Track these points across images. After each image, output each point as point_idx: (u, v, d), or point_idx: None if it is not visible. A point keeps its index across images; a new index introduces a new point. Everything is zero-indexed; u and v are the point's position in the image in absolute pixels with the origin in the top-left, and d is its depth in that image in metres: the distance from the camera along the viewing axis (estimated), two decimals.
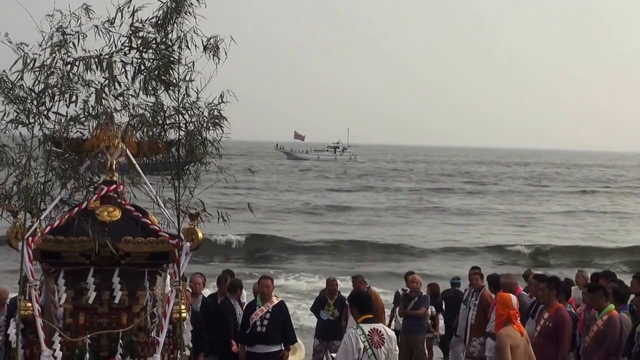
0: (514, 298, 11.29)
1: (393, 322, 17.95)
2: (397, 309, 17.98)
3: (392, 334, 10.02)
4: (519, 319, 11.16)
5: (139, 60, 9.51)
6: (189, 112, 9.63)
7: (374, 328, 9.79)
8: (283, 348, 14.29)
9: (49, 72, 9.20)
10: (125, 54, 9.47)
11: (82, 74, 9.35)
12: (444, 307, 18.64)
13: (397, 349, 10.00)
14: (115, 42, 9.40)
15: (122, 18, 9.31)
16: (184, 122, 9.66)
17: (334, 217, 60.67)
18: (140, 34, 9.46)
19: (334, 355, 16.17)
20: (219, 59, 9.44)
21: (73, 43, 9.29)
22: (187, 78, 9.53)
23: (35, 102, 9.25)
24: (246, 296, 16.49)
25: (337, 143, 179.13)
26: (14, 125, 9.23)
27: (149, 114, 9.58)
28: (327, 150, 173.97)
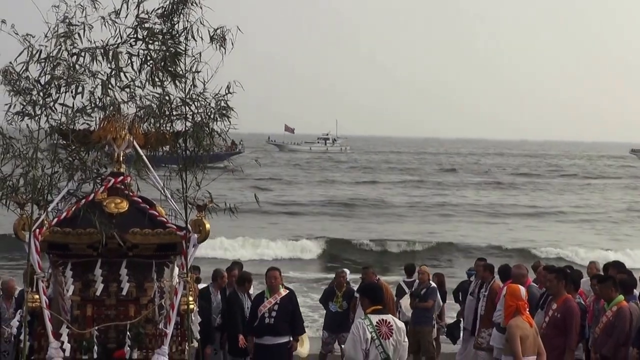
0: (522, 289, 11.34)
1: (398, 315, 17.86)
2: (400, 301, 17.89)
3: (402, 325, 10.01)
4: (527, 310, 11.19)
5: (145, 52, 9.51)
6: (196, 103, 9.64)
7: (382, 319, 9.78)
8: (291, 339, 14.29)
9: (54, 64, 9.23)
10: (131, 45, 9.47)
11: (88, 65, 9.37)
12: (460, 297, 18.58)
13: (406, 340, 9.99)
14: (121, 33, 9.42)
15: (127, 9, 9.33)
16: (191, 113, 9.67)
17: (360, 213, 59.56)
18: (146, 25, 9.46)
19: (343, 346, 16.18)
20: (225, 49, 9.43)
21: (79, 34, 9.32)
22: (194, 69, 9.54)
23: (41, 94, 9.29)
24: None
25: (327, 134, 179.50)
26: (20, 117, 9.26)
27: (155, 105, 9.58)
28: (318, 142, 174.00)
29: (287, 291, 14.46)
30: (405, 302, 17.57)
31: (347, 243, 43.44)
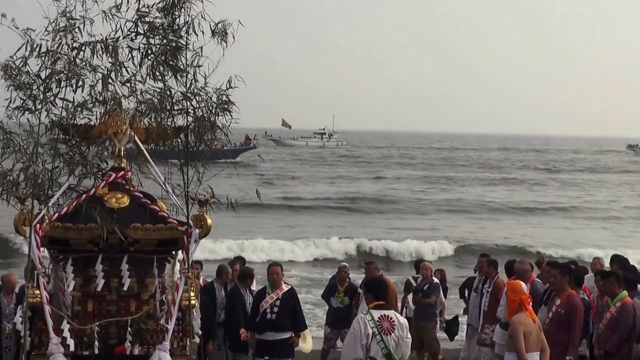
0: (523, 284, 11.36)
1: (405, 310, 17.84)
2: (408, 297, 17.84)
3: (404, 321, 10.00)
4: (530, 304, 11.20)
5: (145, 46, 9.53)
6: (197, 97, 9.67)
7: (384, 315, 9.77)
8: (293, 335, 14.32)
9: (55, 58, 9.26)
10: (131, 40, 9.49)
11: (88, 60, 9.42)
12: (466, 294, 18.55)
13: (409, 336, 9.97)
14: (122, 27, 9.46)
15: (128, 3, 9.36)
16: (192, 107, 9.70)
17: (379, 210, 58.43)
18: (147, 19, 9.47)
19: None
20: (226, 43, 9.44)
21: (79, 28, 9.36)
22: (195, 63, 9.55)
23: (41, 88, 9.33)
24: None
25: (323, 129, 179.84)
26: (20, 111, 9.30)
27: (156, 100, 9.61)
28: (315, 137, 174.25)
29: (289, 287, 14.49)
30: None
31: (361, 241, 42.26)
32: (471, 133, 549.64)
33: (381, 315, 9.74)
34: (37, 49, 9.14)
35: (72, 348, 9.36)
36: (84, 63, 9.38)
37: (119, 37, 9.39)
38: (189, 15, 9.46)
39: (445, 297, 18.30)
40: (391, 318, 9.78)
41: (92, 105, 9.61)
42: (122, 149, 10.06)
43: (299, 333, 14.49)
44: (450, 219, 54.99)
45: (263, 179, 75.83)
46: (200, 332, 10.50)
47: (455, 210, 59.47)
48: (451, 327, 18.41)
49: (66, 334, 9.39)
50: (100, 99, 9.55)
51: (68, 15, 9.28)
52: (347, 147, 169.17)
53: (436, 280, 17.40)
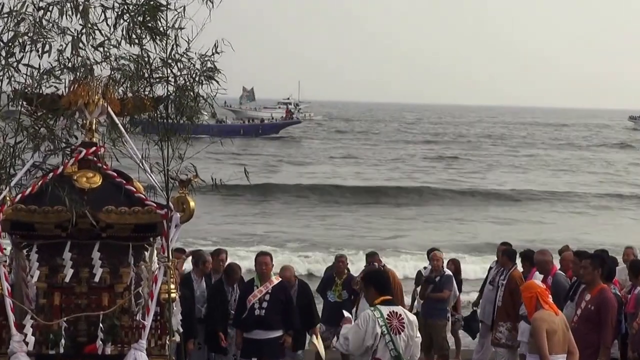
0: (536, 280, 11.45)
1: (415, 304, 17.81)
2: (418, 289, 17.79)
3: (414, 318, 10.08)
4: (550, 297, 11.18)
5: (121, 5, 9.51)
6: (178, 64, 9.68)
7: (393, 311, 9.81)
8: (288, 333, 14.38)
9: (19, 19, 9.20)
10: None
11: (56, 21, 9.36)
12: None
13: (418, 335, 10.05)
14: None
15: None
16: (173, 75, 9.71)
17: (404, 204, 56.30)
18: None
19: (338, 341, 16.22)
20: (212, 3, 9.42)
21: None
22: (177, 25, 9.52)
23: (3, 53, 9.28)
24: None
25: (288, 99, 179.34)
26: None
27: (132, 67, 9.63)
28: (279, 107, 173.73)
29: (280, 279, 14.52)
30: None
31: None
32: (479, 105, 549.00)
33: (390, 312, 9.77)
34: None
35: (31, 347, 9.35)
36: (51, 25, 9.32)
37: None
38: None
39: (460, 290, 18.31)
40: (400, 315, 9.82)
41: (60, 72, 9.57)
42: (94, 121, 10.02)
43: (291, 332, 14.55)
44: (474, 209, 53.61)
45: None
46: (180, 330, 10.50)
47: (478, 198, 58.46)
48: (471, 324, 18.31)
49: (28, 330, 9.37)
50: (70, 65, 9.53)
51: None
52: (311, 119, 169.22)
53: (449, 272, 17.40)
